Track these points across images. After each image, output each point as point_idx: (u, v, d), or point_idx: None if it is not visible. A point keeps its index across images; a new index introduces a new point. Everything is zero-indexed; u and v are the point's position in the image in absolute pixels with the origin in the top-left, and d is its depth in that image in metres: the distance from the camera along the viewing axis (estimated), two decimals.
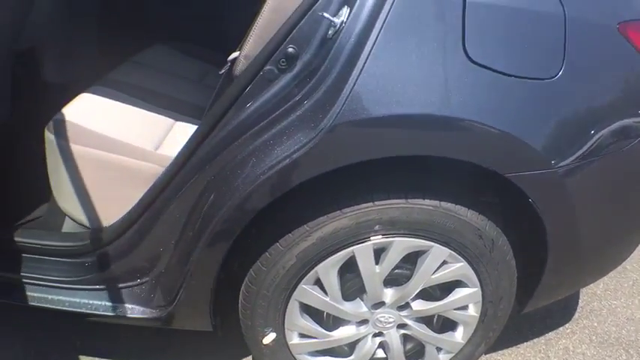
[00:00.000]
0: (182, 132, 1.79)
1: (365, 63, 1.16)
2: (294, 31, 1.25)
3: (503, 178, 1.24)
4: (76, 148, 1.56)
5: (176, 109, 1.91)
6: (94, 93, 1.84)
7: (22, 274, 1.60)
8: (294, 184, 1.23)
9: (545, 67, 1.21)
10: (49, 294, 1.59)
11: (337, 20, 1.19)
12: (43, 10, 2.13)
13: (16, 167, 2.17)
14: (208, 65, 2.49)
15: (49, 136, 1.62)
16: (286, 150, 1.21)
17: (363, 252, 1.36)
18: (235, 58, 1.43)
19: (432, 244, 1.38)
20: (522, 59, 1.22)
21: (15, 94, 2.21)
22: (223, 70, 1.55)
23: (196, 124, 1.83)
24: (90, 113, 1.70)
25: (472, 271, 1.44)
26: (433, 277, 1.46)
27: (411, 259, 1.43)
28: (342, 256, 1.37)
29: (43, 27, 2.31)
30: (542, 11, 1.21)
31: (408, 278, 1.47)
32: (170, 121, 1.84)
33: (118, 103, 1.83)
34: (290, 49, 1.25)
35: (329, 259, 1.36)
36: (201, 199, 1.33)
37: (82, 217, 1.64)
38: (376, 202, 1.29)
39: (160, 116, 1.84)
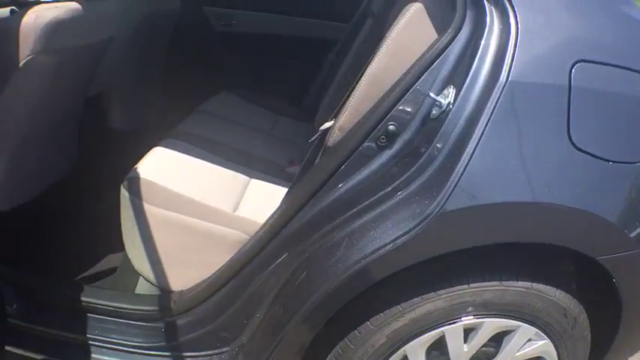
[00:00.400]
0: (258, 191, 1.80)
1: (474, 149, 1.14)
2: (396, 107, 1.25)
3: (592, 259, 1.23)
4: (152, 210, 1.57)
5: (249, 165, 1.92)
6: (166, 146, 1.86)
7: (87, 335, 1.58)
8: (396, 270, 1.22)
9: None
10: (118, 358, 1.57)
11: (443, 101, 1.18)
12: (112, 56, 2.16)
13: (85, 214, 2.20)
14: (275, 114, 2.55)
15: (125, 194, 1.63)
16: (389, 235, 1.20)
17: (453, 332, 1.35)
18: (328, 128, 1.43)
19: (520, 323, 1.38)
20: (621, 144, 1.22)
21: (82, 140, 2.26)
22: (313, 139, 1.55)
23: (271, 182, 1.84)
24: (164, 169, 1.71)
25: (553, 348, 1.43)
26: (517, 354, 1.45)
27: (497, 337, 1.43)
28: (431, 336, 1.35)
29: (112, 73, 2.35)
30: None
31: (493, 356, 1.46)
32: (244, 178, 1.84)
33: (191, 157, 1.84)
34: (391, 127, 1.25)
35: (418, 338, 1.35)
36: (292, 277, 1.32)
37: (157, 280, 1.63)
38: (471, 285, 1.28)
39: (235, 173, 1.85)
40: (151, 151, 1.82)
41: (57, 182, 2.04)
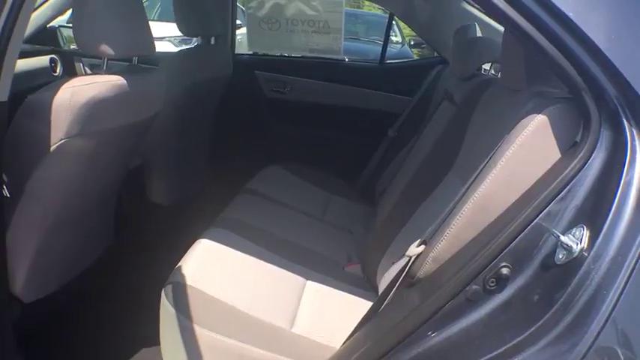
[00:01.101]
0: (316, 296, 1.59)
1: (610, 313, 0.90)
2: (510, 245, 1.02)
3: None
4: (199, 331, 1.35)
5: (304, 261, 1.72)
6: (212, 239, 1.66)
7: None
8: None
9: None
10: None
11: (575, 246, 0.95)
12: (154, 127, 2.00)
13: (119, 305, 2.00)
14: (327, 193, 2.38)
15: (166, 304, 1.41)
16: None
17: None
18: (419, 255, 1.20)
19: None
20: None
21: (119, 217, 2.09)
22: (398, 262, 1.33)
23: (330, 284, 1.63)
24: (211, 271, 1.51)
25: None
26: None
27: None
28: None
29: (153, 144, 2.19)
30: None
31: None
32: (300, 280, 1.63)
33: (240, 253, 1.63)
34: (503, 269, 1.01)
35: None
36: None
37: None
38: None
39: (289, 273, 1.63)
40: (195, 245, 1.62)
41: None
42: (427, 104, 2.60)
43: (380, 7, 7.07)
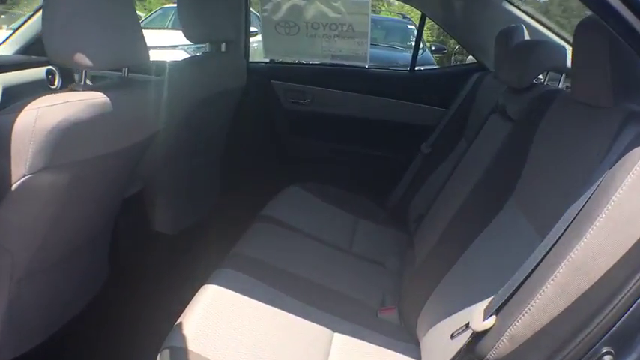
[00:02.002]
0: (345, 350, 1.36)
1: None
2: (617, 324, 0.75)
3: None
4: None
5: (330, 307, 1.49)
6: (221, 284, 1.42)
7: None
8: None
9: None
10: None
11: None
12: (156, 147, 1.77)
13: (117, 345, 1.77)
14: (354, 217, 2.17)
15: None
16: None
17: None
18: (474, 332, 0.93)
19: None
20: None
21: (116, 250, 1.85)
22: (455, 334, 1.06)
23: (361, 337, 1.42)
24: (216, 328, 1.26)
25: None
26: None
27: None
28: None
29: (155, 166, 1.96)
30: None
31: None
32: (326, 332, 1.40)
33: (253, 302, 1.40)
34: (606, 356, 0.75)
35: None
36: None
37: None
38: None
39: (313, 324, 1.40)
40: (200, 293, 1.39)
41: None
42: (465, 117, 2.36)
43: (399, 12, 6.85)
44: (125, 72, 1.45)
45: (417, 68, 2.79)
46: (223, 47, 2.38)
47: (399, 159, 2.68)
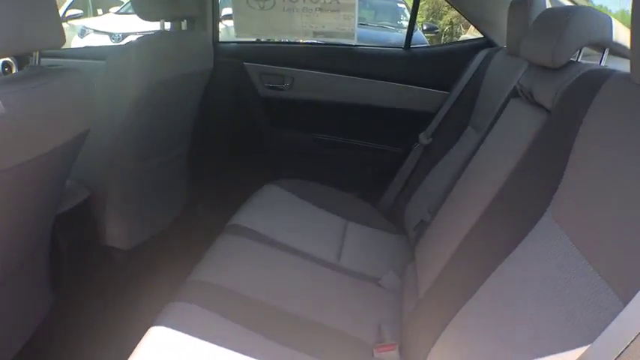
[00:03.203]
0: None
1: None
2: None
3: None
4: None
5: (312, 350, 1.22)
6: (171, 324, 1.16)
7: None
8: None
9: None
10: None
11: None
12: (101, 145, 1.58)
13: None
14: (341, 219, 1.93)
15: None
16: None
17: None
18: None
19: None
20: None
21: (60, 273, 1.57)
22: None
23: None
24: None
25: None
26: None
27: None
28: None
29: (102, 170, 1.72)
30: None
31: None
32: None
33: (212, 347, 1.12)
34: None
35: None
36: None
37: None
38: None
39: None
40: (147, 336, 1.14)
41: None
42: (472, 101, 2.07)
43: None
44: (35, 59, 1.16)
45: (413, 46, 2.47)
46: (184, 25, 2.06)
47: (394, 151, 2.43)
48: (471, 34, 8.66)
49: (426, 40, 6.12)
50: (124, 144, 1.71)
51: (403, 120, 2.42)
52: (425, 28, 6.34)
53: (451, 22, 11.19)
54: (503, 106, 1.58)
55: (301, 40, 2.49)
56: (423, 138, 2.21)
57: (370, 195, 2.35)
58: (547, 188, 1.05)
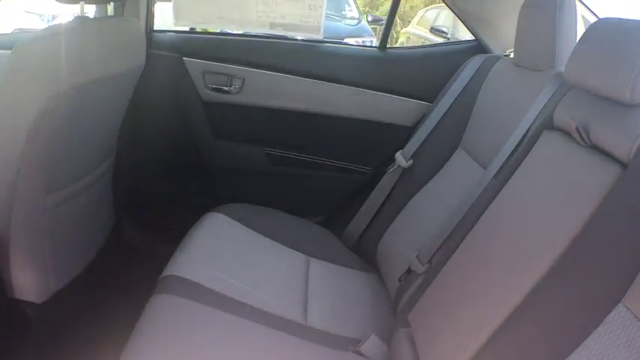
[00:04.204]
0: None
1: None
2: None
3: None
4: None
5: None
6: None
7: None
8: None
9: None
10: None
11: None
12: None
13: None
14: (302, 255, 1.66)
15: None
16: None
17: None
18: None
19: None
20: None
21: None
22: None
23: None
24: None
25: None
26: None
27: None
28: None
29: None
30: None
31: None
32: None
33: None
34: None
35: None
36: None
37: None
38: None
39: None
40: None
41: None
42: (464, 118, 1.78)
43: None
44: None
45: (390, 47, 2.12)
46: (110, 9, 1.63)
47: (364, 171, 2.13)
48: (416, 28, 8.44)
49: (372, 32, 5.82)
50: (28, 170, 1.30)
51: (376, 135, 2.10)
52: (370, 19, 6.04)
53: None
54: (532, 138, 1.26)
55: (255, 33, 2.06)
56: (401, 158, 1.88)
57: (333, 222, 2.09)
58: (624, 265, 0.74)
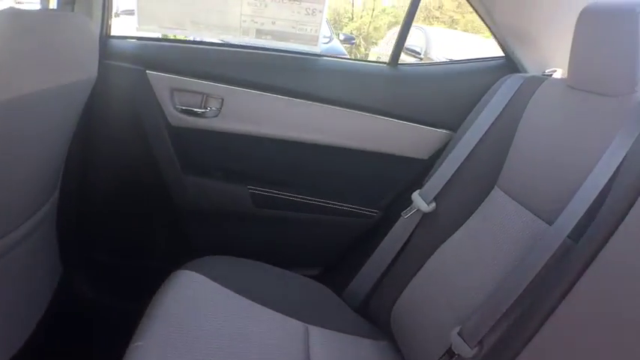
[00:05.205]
0: None
1: None
2: None
3: None
4: None
5: None
6: None
7: None
8: None
9: None
10: None
11: None
12: None
13: None
14: (297, 322, 1.35)
15: None
16: None
17: None
18: None
19: None
20: None
21: None
22: None
23: None
24: None
25: None
26: None
27: None
28: None
29: None
30: None
31: None
32: None
33: None
34: None
35: None
36: None
37: None
38: None
39: None
40: None
41: None
42: (500, 151, 1.44)
43: None
44: None
45: (402, 63, 1.80)
46: (54, 2, 1.34)
47: (370, 214, 1.79)
48: (387, 48, 8.28)
49: (345, 51, 5.57)
50: None
51: (385, 170, 1.78)
52: (342, 38, 5.81)
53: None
54: (629, 191, 0.95)
55: (238, 42, 1.70)
56: (420, 200, 1.54)
57: (331, 277, 1.76)
58: None
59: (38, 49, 1.06)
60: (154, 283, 1.33)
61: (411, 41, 7.34)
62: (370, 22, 12.55)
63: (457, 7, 14.30)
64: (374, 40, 10.33)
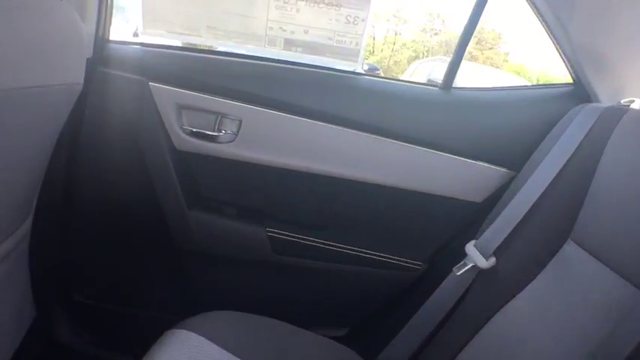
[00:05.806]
0: None
1: None
2: None
3: None
4: None
5: None
6: None
7: None
8: None
9: None
10: None
11: None
12: None
13: None
14: None
15: None
16: None
17: None
18: None
19: None
20: None
21: None
22: None
23: None
24: None
25: None
26: None
27: None
28: None
29: None
30: None
31: None
32: None
33: None
34: None
35: None
36: None
37: None
38: None
39: None
40: None
41: None
42: (574, 198, 1.21)
43: None
44: None
45: (456, 87, 1.55)
46: None
47: (413, 267, 1.55)
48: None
49: None
50: None
51: (431, 213, 1.52)
52: (366, 67, 5.66)
53: None
54: None
55: (262, 54, 1.44)
56: (476, 253, 1.29)
57: (360, 339, 1.53)
58: None
59: (12, 36, 0.80)
60: (144, 334, 1.15)
61: (434, 75, 7.18)
62: (390, 55, 12.58)
63: (476, 44, 14.37)
64: (394, 74, 10.33)
